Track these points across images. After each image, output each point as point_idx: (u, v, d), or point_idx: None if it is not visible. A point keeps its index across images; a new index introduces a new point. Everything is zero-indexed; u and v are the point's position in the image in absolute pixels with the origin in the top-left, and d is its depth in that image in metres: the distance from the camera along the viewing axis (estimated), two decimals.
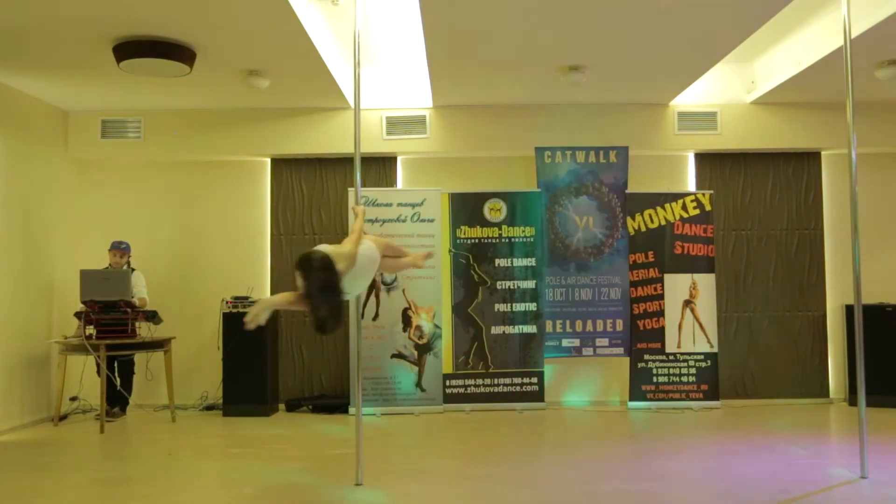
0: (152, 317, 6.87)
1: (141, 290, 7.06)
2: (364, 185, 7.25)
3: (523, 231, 7.32)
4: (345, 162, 7.60)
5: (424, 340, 7.15)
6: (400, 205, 7.25)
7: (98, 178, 7.79)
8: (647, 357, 7.30)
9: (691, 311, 7.32)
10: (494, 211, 7.34)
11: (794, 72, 6.59)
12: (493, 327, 7.24)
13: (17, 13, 5.08)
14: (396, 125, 7.55)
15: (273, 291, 7.61)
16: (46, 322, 7.13)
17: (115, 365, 6.93)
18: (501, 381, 7.22)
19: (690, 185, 7.77)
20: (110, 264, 7.09)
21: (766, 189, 7.75)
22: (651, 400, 7.26)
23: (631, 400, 7.30)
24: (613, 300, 7.36)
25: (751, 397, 7.55)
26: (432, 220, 7.25)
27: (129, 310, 6.66)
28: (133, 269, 7.15)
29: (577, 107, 7.52)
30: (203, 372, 7.51)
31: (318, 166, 7.72)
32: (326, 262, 3.96)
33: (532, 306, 7.26)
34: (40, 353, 6.96)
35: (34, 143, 7.03)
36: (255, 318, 3.97)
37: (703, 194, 7.44)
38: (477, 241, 7.31)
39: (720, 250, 7.60)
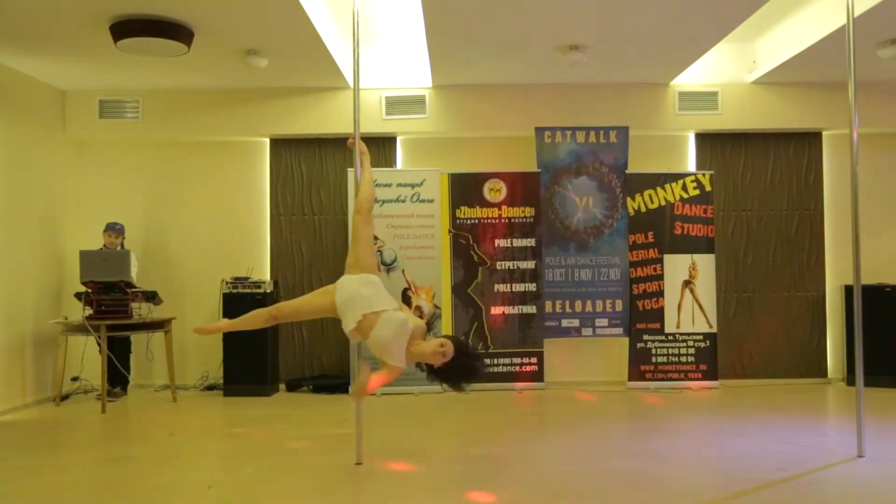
0: (152, 297, 6.88)
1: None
2: None
3: (523, 211, 7.31)
4: (344, 142, 7.52)
5: (424, 320, 7.14)
6: (399, 185, 7.23)
7: (96, 158, 7.76)
8: (646, 337, 7.32)
9: (691, 292, 7.33)
10: (494, 191, 7.32)
11: (796, 51, 6.55)
12: (492, 307, 7.25)
13: None
14: (396, 105, 7.51)
15: (273, 272, 7.62)
16: (47, 303, 7.13)
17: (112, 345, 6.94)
18: (501, 361, 7.25)
19: (691, 165, 7.75)
20: (105, 245, 7.08)
21: (766, 169, 7.73)
22: (650, 380, 7.29)
23: (630, 380, 7.33)
24: (613, 280, 7.37)
25: (749, 377, 7.58)
26: (432, 201, 7.24)
27: (128, 290, 6.67)
28: (128, 251, 7.13)
29: (578, 87, 7.48)
30: (203, 352, 7.52)
31: (318, 146, 7.69)
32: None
33: (532, 286, 7.27)
34: (41, 333, 6.97)
35: (32, 123, 7.00)
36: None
37: (704, 174, 7.43)
38: (477, 221, 7.30)
39: (720, 231, 7.60)
